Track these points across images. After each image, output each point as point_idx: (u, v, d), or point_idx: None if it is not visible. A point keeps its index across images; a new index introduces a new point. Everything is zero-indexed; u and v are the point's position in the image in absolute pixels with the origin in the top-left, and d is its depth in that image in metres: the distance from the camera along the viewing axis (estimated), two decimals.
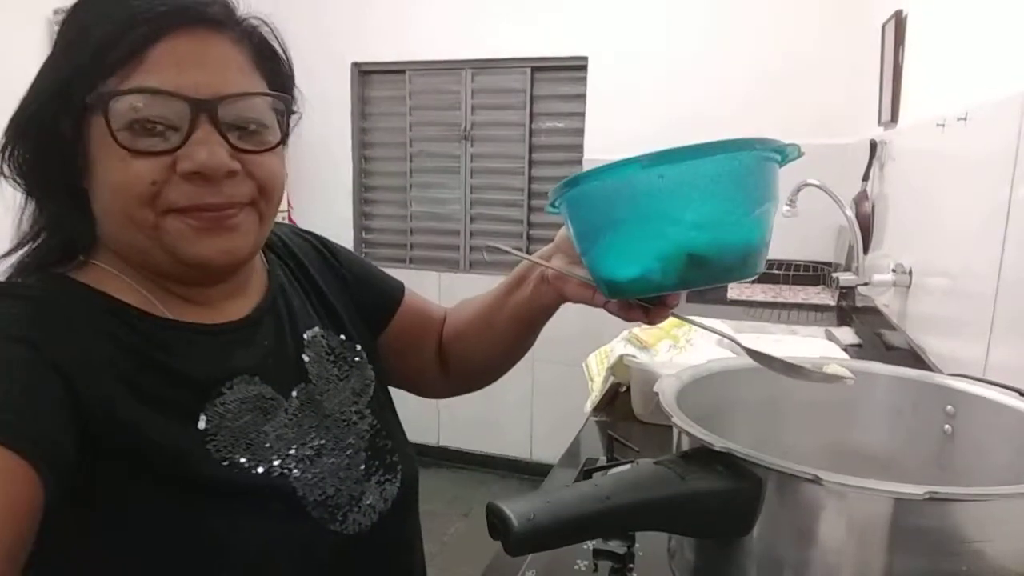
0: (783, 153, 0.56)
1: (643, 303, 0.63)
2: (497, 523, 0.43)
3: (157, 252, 0.58)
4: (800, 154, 0.57)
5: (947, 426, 0.67)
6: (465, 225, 3.49)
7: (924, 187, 1.62)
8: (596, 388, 1.39)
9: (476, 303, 0.84)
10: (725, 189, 0.53)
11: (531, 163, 3.32)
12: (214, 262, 0.59)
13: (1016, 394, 0.64)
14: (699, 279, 0.55)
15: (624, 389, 1.37)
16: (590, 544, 0.78)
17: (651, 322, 0.64)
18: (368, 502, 0.67)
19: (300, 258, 0.77)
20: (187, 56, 0.56)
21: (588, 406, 1.37)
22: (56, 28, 0.60)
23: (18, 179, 0.59)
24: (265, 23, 0.63)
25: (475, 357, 0.86)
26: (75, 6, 0.58)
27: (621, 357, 1.30)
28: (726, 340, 1.37)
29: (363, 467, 0.69)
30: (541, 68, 3.24)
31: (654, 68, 2.99)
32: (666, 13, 2.95)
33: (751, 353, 0.59)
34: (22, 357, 0.51)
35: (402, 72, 3.44)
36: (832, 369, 0.58)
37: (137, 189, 0.55)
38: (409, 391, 0.89)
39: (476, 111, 3.38)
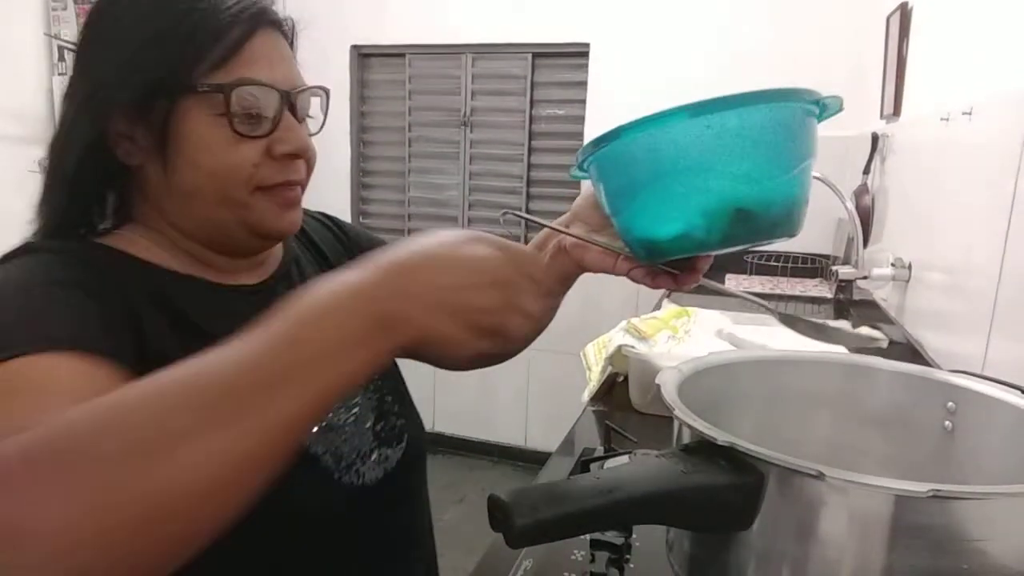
0: (823, 107, 0.54)
1: (670, 268, 0.61)
2: (499, 515, 0.43)
3: (234, 225, 0.65)
4: (840, 108, 0.54)
5: (947, 422, 0.67)
6: (463, 211, 3.48)
7: (926, 181, 1.61)
8: (594, 378, 1.39)
9: None
10: (773, 139, 0.51)
11: (530, 150, 3.31)
12: (285, 233, 0.68)
13: (1018, 392, 0.64)
14: (743, 235, 0.53)
15: (622, 379, 1.37)
16: (587, 534, 0.78)
17: (680, 287, 0.63)
18: (373, 458, 0.72)
19: (312, 236, 0.82)
20: (270, 52, 0.63)
21: (586, 396, 1.37)
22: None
23: (65, 157, 0.62)
24: (291, 19, 0.69)
25: None
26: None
27: (619, 347, 1.30)
28: (725, 331, 1.37)
29: (368, 425, 0.73)
30: (542, 54, 3.22)
31: (656, 56, 2.97)
32: (668, 1, 2.93)
33: (780, 316, 0.59)
34: (78, 295, 0.55)
35: (402, 56, 3.42)
36: (864, 331, 0.58)
37: (242, 170, 0.62)
38: (424, 362, 0.89)
39: (476, 96, 3.36)
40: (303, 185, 0.68)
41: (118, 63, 0.60)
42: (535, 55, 3.22)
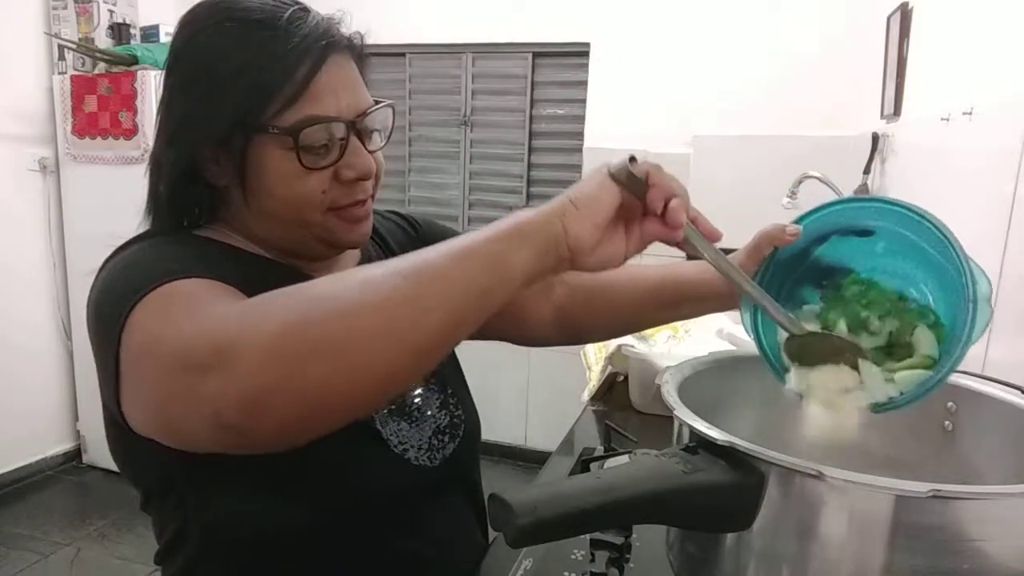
0: None
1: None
2: (500, 514, 0.43)
3: (311, 241, 0.71)
4: None
5: (948, 422, 0.67)
6: (463, 211, 3.48)
7: (926, 181, 1.61)
8: (594, 377, 1.39)
9: (641, 295, 0.87)
10: None
11: (531, 149, 3.30)
12: (356, 244, 0.74)
13: (1018, 391, 0.64)
14: None
15: (622, 379, 1.37)
16: (587, 534, 0.78)
17: None
18: (432, 444, 0.78)
19: (387, 239, 0.87)
20: (337, 82, 0.66)
21: (586, 395, 1.37)
22: None
23: (159, 179, 0.70)
24: (360, 33, 0.72)
25: (601, 326, 0.93)
26: (219, 36, 0.65)
27: (619, 347, 1.30)
28: (725, 331, 1.37)
29: (431, 414, 0.79)
30: (542, 54, 3.22)
31: (656, 56, 2.96)
32: (669, 1, 2.93)
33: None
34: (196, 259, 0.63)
35: (402, 55, 3.41)
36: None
37: (314, 197, 0.67)
38: (505, 340, 0.94)
39: (476, 96, 3.35)
40: (373, 195, 0.73)
41: (198, 101, 0.66)
42: (535, 55, 3.22)
